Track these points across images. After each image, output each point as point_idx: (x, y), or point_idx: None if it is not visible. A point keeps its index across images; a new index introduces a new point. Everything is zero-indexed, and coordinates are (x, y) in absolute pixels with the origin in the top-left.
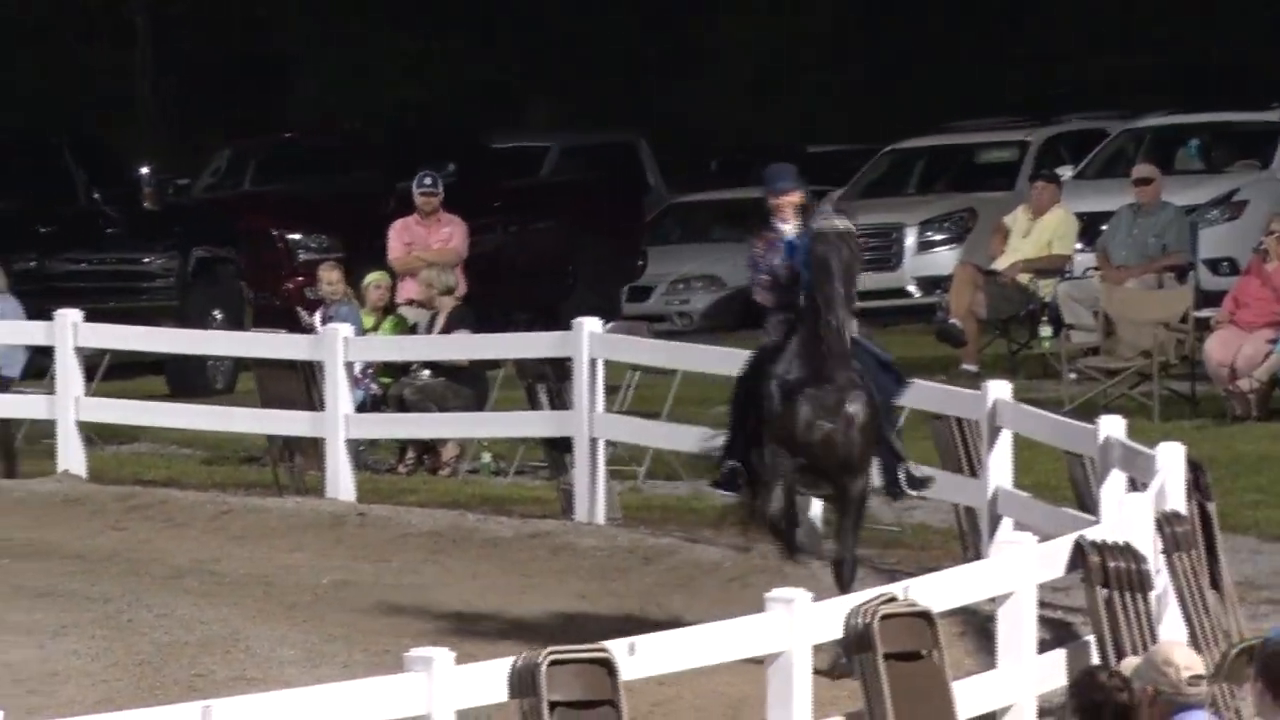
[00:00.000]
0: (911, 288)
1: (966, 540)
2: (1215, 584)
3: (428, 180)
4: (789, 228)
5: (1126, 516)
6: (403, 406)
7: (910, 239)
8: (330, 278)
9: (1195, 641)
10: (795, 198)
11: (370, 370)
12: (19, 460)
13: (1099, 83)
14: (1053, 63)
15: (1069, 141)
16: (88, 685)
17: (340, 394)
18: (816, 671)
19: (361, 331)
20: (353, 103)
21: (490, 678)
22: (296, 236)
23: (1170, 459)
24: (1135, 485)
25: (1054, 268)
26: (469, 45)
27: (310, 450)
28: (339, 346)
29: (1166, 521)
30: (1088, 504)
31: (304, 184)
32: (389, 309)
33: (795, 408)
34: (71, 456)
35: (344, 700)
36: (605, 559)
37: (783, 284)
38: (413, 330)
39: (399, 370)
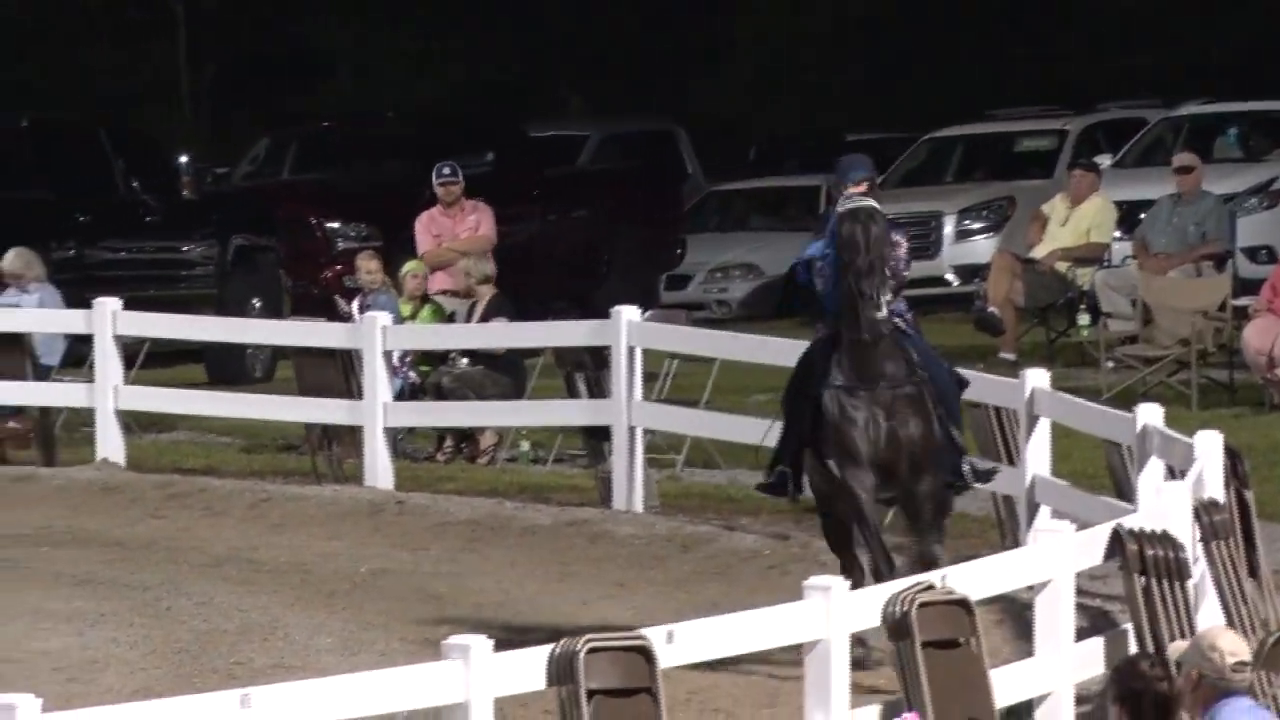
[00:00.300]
0: (950, 276)
1: (1004, 528)
2: (1253, 572)
3: (446, 170)
4: None
5: (1164, 505)
6: (441, 395)
7: (949, 227)
8: (369, 266)
9: (1232, 630)
10: (869, 189)
11: (409, 358)
12: (58, 448)
13: (1145, 70)
14: (1094, 54)
15: (1107, 130)
16: (126, 673)
17: (378, 382)
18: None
19: (399, 320)
20: (389, 92)
21: (528, 666)
22: (335, 225)
23: (1208, 447)
24: (1173, 473)
25: (1092, 256)
26: (503, 36)
27: (348, 438)
28: (377, 335)
29: (1204, 510)
30: (1125, 492)
31: (342, 173)
32: (426, 297)
33: (850, 412)
34: (110, 444)
35: (382, 688)
36: (643, 547)
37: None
38: (451, 319)
39: (437, 359)
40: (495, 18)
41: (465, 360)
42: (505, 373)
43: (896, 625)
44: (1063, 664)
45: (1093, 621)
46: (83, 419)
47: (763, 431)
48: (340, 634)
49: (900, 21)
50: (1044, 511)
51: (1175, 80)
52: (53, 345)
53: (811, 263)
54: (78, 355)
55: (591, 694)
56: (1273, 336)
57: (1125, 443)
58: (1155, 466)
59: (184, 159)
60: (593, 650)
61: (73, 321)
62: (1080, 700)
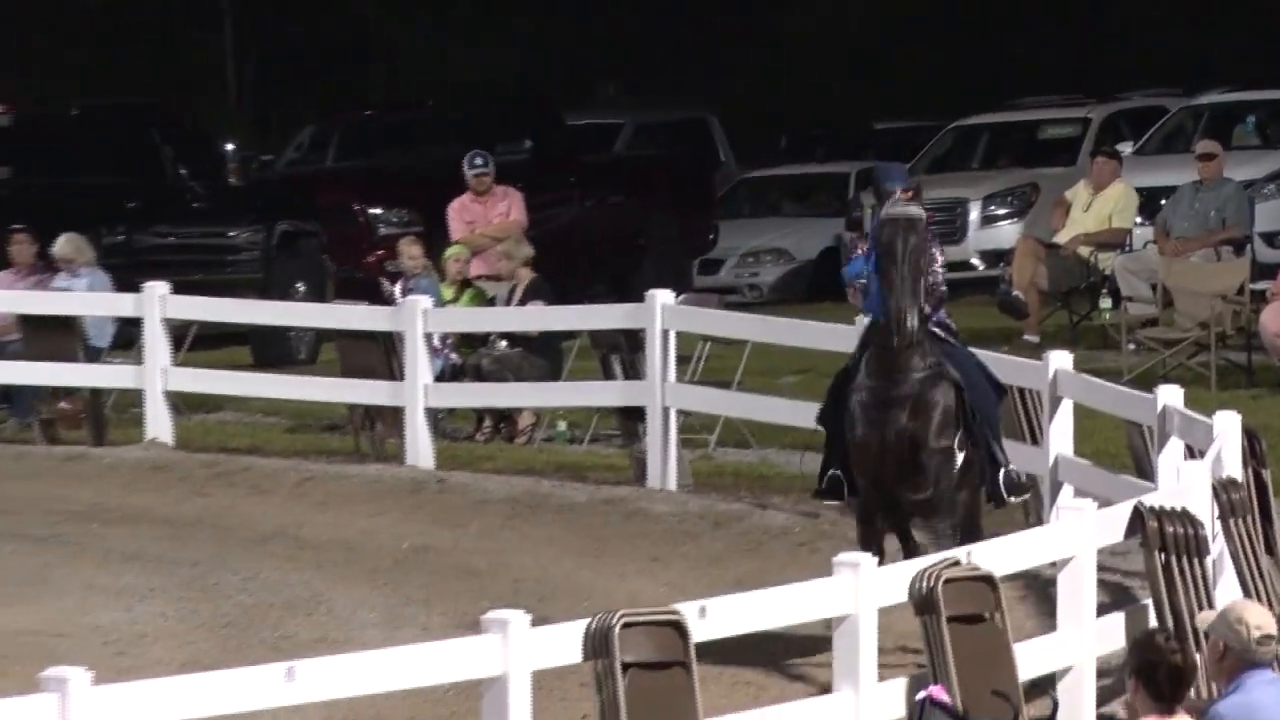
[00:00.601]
0: (975, 260)
1: (1028, 506)
2: (1270, 549)
3: (479, 161)
4: None
5: (1184, 483)
6: (480, 376)
7: (974, 213)
8: (411, 252)
9: (1258, 604)
10: (909, 197)
11: (449, 341)
12: (108, 428)
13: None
14: (1120, 41)
15: (1129, 118)
16: (175, 646)
17: (420, 364)
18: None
19: (441, 303)
20: (429, 81)
21: (565, 639)
22: (377, 211)
23: (1227, 427)
24: (1192, 453)
25: (1114, 241)
26: (541, 26)
27: (390, 418)
28: (418, 318)
29: (1223, 488)
30: (1146, 471)
31: (384, 160)
32: (468, 282)
33: (861, 408)
34: (159, 425)
35: (423, 661)
36: (676, 524)
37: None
38: (491, 302)
39: (477, 341)
40: (533, 8)
41: (504, 343)
42: (543, 355)
43: (923, 600)
44: (1085, 638)
45: (1114, 597)
46: (132, 400)
47: (793, 412)
48: (382, 609)
49: (928, 13)
50: (1067, 490)
51: (1195, 70)
52: (103, 328)
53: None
54: (127, 338)
55: (626, 667)
56: None
57: (1146, 423)
58: (1175, 446)
59: (230, 147)
60: (627, 625)
61: (122, 305)
62: (1102, 674)
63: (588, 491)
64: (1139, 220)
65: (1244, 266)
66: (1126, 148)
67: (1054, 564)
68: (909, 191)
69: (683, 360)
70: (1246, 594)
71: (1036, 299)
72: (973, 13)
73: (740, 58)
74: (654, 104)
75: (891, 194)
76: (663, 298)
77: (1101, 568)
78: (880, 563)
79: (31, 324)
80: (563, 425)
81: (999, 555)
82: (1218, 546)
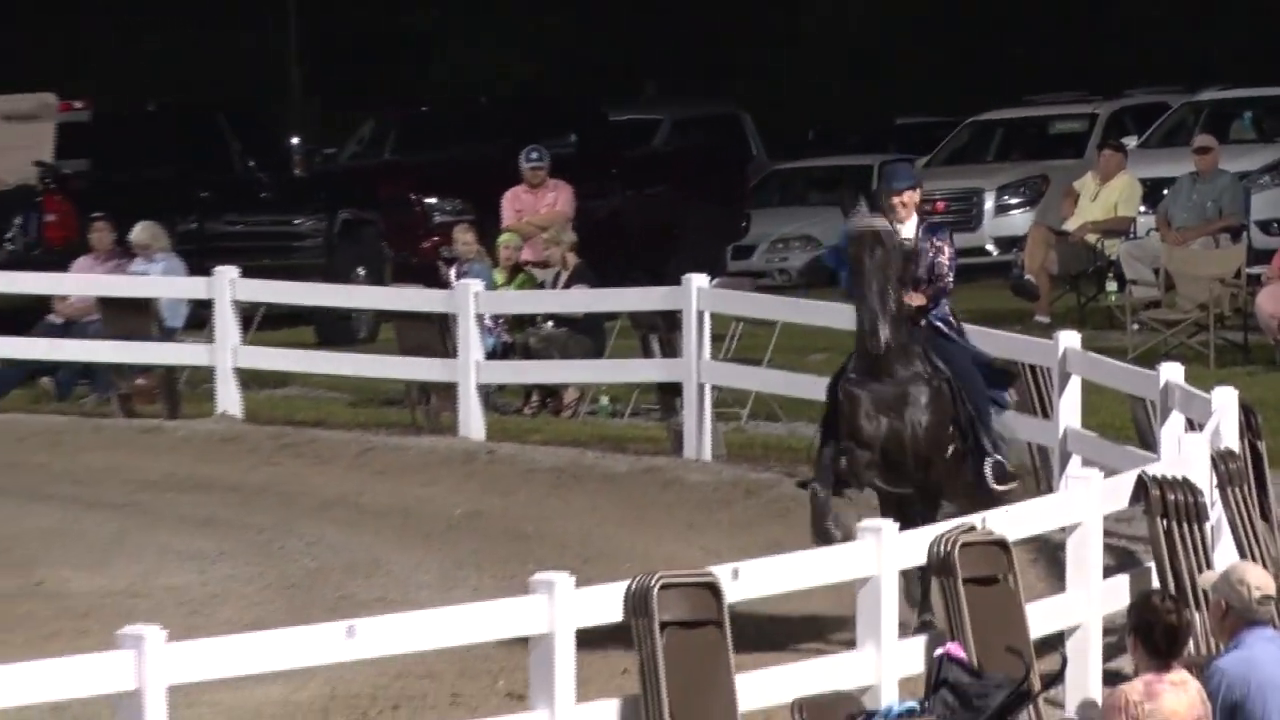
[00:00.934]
0: (990, 246)
1: (1039, 475)
2: (1265, 515)
3: (534, 155)
4: (905, 227)
5: (1184, 454)
6: (528, 354)
7: (989, 202)
8: (465, 238)
9: (1258, 566)
10: (913, 196)
11: (500, 321)
12: (182, 403)
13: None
14: (1121, 41)
15: (1134, 114)
16: (243, 606)
17: (472, 343)
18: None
19: (493, 287)
20: (482, 78)
21: (607, 599)
22: (433, 200)
23: (1224, 402)
24: (1192, 425)
25: (1119, 228)
26: (587, 26)
27: (445, 394)
28: (470, 300)
29: (1221, 459)
30: (1149, 442)
31: (439, 153)
32: (519, 267)
33: (847, 406)
34: (229, 399)
35: (475, 619)
36: (711, 492)
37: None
38: (539, 286)
39: (526, 322)
40: (580, 12)
41: (551, 323)
42: (586, 334)
43: (940, 563)
44: (1091, 599)
45: (1119, 560)
46: (204, 376)
47: (819, 387)
48: (437, 570)
49: (947, 15)
50: (1075, 460)
51: (1195, 68)
52: (177, 309)
53: (842, 253)
54: (199, 319)
55: (664, 625)
56: None
57: (1149, 398)
58: (1176, 419)
59: (295, 140)
60: (665, 586)
61: (195, 288)
62: (1108, 632)
63: (628, 462)
64: (1142, 209)
65: (1240, 252)
66: (1131, 141)
67: (1063, 529)
68: (904, 194)
69: (717, 339)
70: (1243, 557)
71: (1047, 282)
72: (973, 13)
73: (771, 58)
74: (690, 101)
75: (899, 192)
76: (698, 281)
77: (1107, 533)
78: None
79: (110, 306)
80: (605, 400)
81: (1012, 521)
82: (1216, 513)
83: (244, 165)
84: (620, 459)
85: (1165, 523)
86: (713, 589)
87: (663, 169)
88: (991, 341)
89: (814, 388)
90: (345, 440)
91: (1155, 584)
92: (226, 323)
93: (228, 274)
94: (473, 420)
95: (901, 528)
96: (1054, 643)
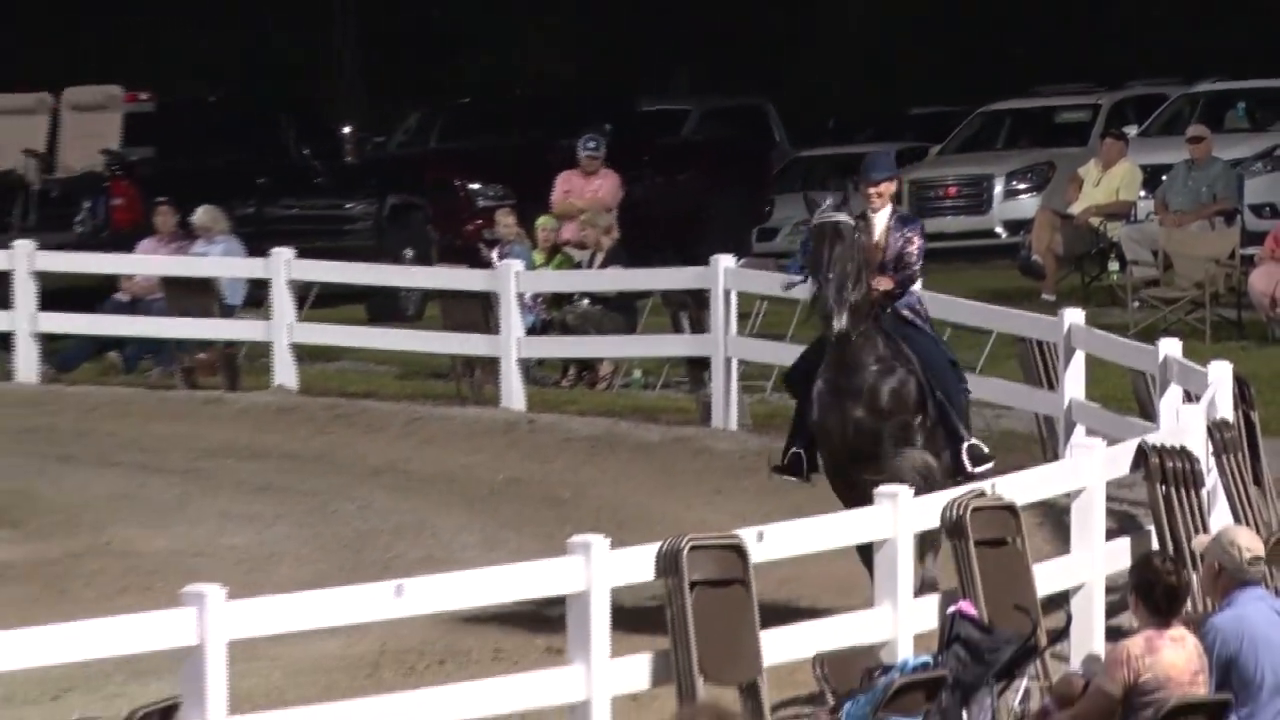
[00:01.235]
0: (999, 229)
1: (1045, 444)
2: (1258, 481)
3: (591, 144)
4: (879, 216)
5: (1182, 424)
6: (566, 330)
7: (998, 187)
8: (506, 221)
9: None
10: (889, 187)
11: (539, 299)
12: (241, 376)
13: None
14: (1121, 35)
15: (1134, 105)
16: (298, 566)
17: (513, 319)
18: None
19: (532, 267)
20: (522, 71)
21: (640, 560)
22: (476, 186)
23: (1220, 375)
24: (1189, 397)
25: (1121, 212)
26: (621, 20)
27: (487, 367)
28: (512, 279)
29: (1216, 428)
30: (1149, 413)
31: (482, 141)
32: (556, 248)
33: (819, 398)
34: (285, 373)
35: (516, 579)
36: (737, 460)
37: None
38: (576, 266)
39: (563, 300)
40: (615, 6)
41: (587, 301)
42: (620, 312)
43: (953, 526)
44: (1095, 560)
45: (1120, 523)
46: (261, 351)
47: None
48: (480, 533)
49: (960, 9)
50: (1079, 430)
51: (1192, 62)
52: (236, 288)
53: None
54: (257, 297)
55: (693, 584)
56: (1275, 281)
57: (1149, 371)
58: (1174, 391)
59: (347, 130)
60: (694, 547)
61: (253, 268)
62: (1110, 590)
63: (659, 431)
64: (1142, 194)
65: (1234, 235)
66: (1132, 131)
67: (1068, 495)
68: (879, 185)
69: (743, 316)
70: (1237, 521)
71: (1053, 263)
72: (972, 12)
73: (792, 51)
74: (717, 92)
75: (877, 183)
76: (725, 262)
77: (1109, 498)
78: None
79: (173, 284)
80: (638, 373)
81: (1020, 487)
82: (1212, 479)
83: (299, 153)
84: (652, 429)
85: (1164, 488)
86: (739, 550)
87: (691, 157)
88: (1001, 318)
89: None
90: (394, 411)
91: (1155, 546)
92: (282, 301)
93: (283, 255)
94: (514, 392)
95: None
96: (1059, 601)
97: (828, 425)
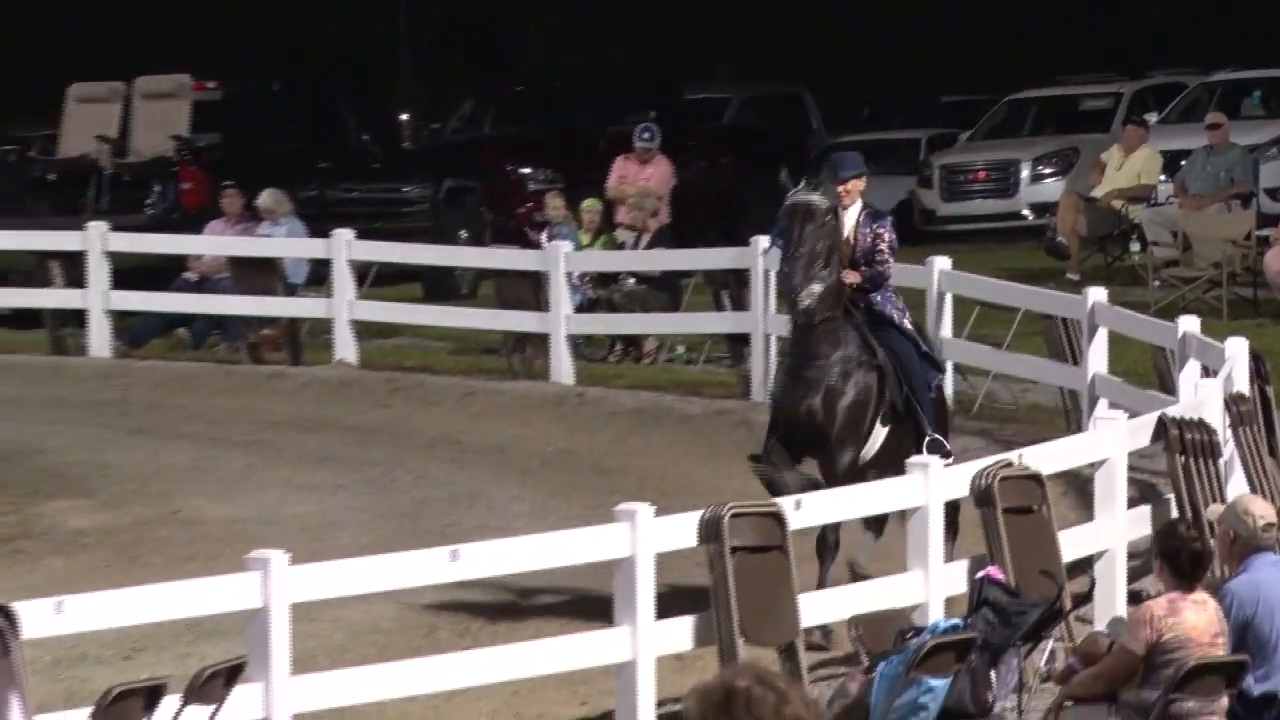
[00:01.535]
0: (1026, 212)
1: (1070, 416)
2: (1273, 452)
3: (646, 135)
4: (849, 213)
5: (1200, 397)
6: (612, 308)
7: (1025, 172)
8: (555, 204)
9: (1261, 497)
10: (858, 184)
11: (586, 278)
12: (303, 351)
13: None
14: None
15: (1154, 93)
16: (358, 533)
17: (562, 297)
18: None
19: (579, 247)
20: (572, 60)
21: (683, 527)
22: (527, 170)
23: (1236, 350)
24: (1207, 372)
25: (1142, 196)
26: (666, 11)
27: (538, 343)
28: (560, 259)
29: (1233, 401)
30: (1169, 387)
31: (533, 128)
32: (602, 229)
33: (780, 384)
34: (345, 348)
35: (565, 545)
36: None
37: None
38: (621, 247)
39: (609, 279)
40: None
41: (632, 280)
42: (664, 290)
43: (981, 495)
44: (1117, 527)
45: (1141, 492)
46: (323, 327)
47: None
48: (531, 501)
49: (989, 2)
50: (1102, 403)
51: (1211, 52)
52: (299, 267)
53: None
54: (319, 276)
55: (734, 550)
56: None
57: (1168, 347)
58: (1193, 366)
59: (404, 117)
60: (735, 515)
61: (315, 248)
62: (1132, 556)
63: (702, 404)
64: (1162, 178)
65: (1250, 217)
66: (1152, 117)
67: (1092, 465)
68: (848, 182)
69: (781, 294)
70: (1253, 490)
71: (1077, 243)
72: (1000, 6)
73: (828, 42)
74: (757, 81)
75: (846, 180)
76: (763, 243)
77: (1131, 468)
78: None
79: (239, 264)
80: (681, 349)
81: (1046, 457)
82: (1229, 450)
83: (358, 139)
84: (695, 402)
85: (1183, 459)
86: (778, 518)
87: (732, 142)
88: (1028, 296)
89: None
90: (449, 385)
91: (1174, 514)
92: (343, 279)
93: (344, 236)
94: (563, 367)
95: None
96: (1084, 566)
97: (782, 407)
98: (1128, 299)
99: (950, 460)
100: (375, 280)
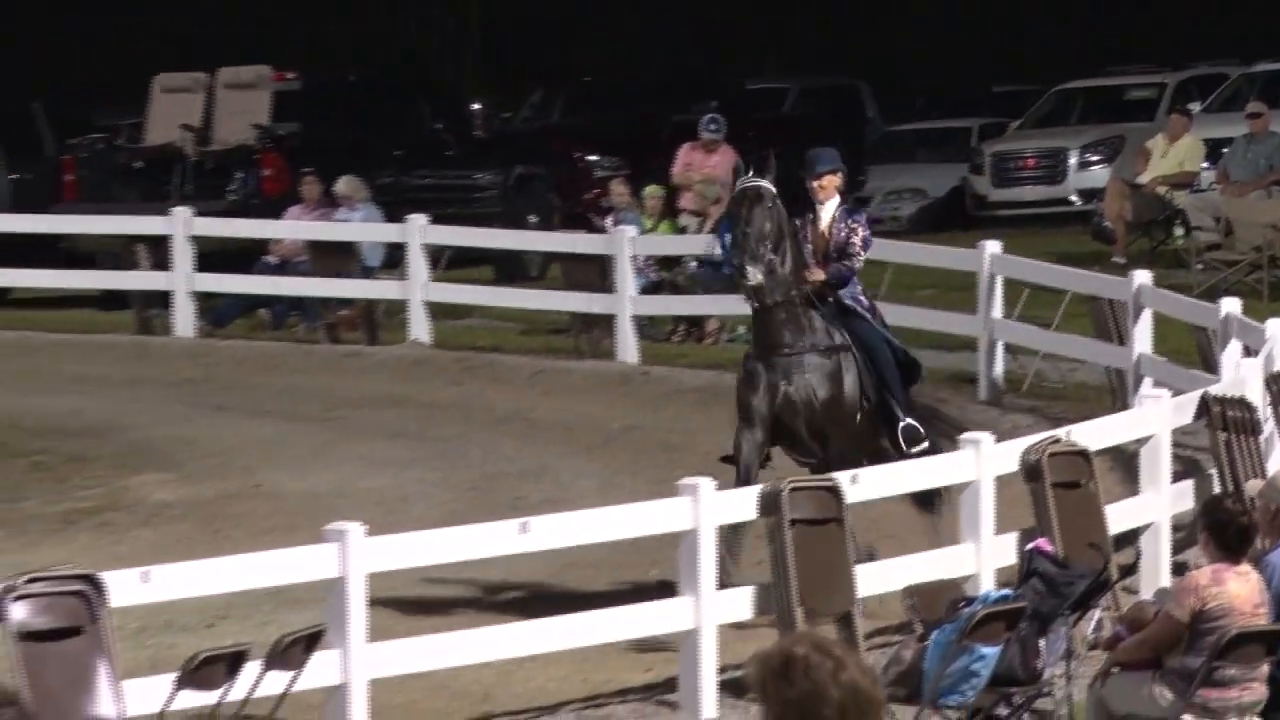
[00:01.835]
0: (1074, 197)
1: (1116, 395)
2: None
3: (713, 126)
4: (825, 208)
5: (1241, 376)
6: (676, 289)
7: (1073, 159)
8: (619, 190)
9: None
10: (833, 180)
11: (650, 261)
12: (379, 331)
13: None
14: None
15: (1198, 83)
16: (431, 506)
17: (627, 280)
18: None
19: (643, 232)
20: (636, 51)
21: (743, 501)
22: (593, 158)
23: (1277, 331)
24: (1249, 352)
25: (1185, 182)
26: (730, 4)
27: (604, 323)
28: (625, 243)
29: (1273, 380)
30: (1211, 366)
31: (599, 116)
32: (664, 215)
33: (745, 378)
34: (419, 328)
35: (630, 517)
36: None
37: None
38: (683, 232)
39: (672, 262)
40: None
41: (695, 263)
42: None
43: (1031, 470)
44: (1162, 501)
45: (1185, 467)
46: (398, 308)
47: (926, 318)
48: (598, 476)
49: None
50: (1147, 382)
51: (1252, 44)
52: (375, 251)
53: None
54: (394, 259)
55: (793, 522)
56: None
57: (1211, 328)
58: (1234, 346)
59: (476, 106)
60: (794, 489)
61: (390, 233)
62: (1176, 529)
63: None
64: (1205, 165)
65: None
66: (1195, 107)
67: (1137, 441)
68: (822, 178)
69: None
70: None
71: (1123, 228)
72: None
73: (882, 36)
74: (814, 72)
75: (820, 176)
76: None
77: (1175, 444)
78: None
79: (317, 248)
80: (741, 329)
81: (1093, 434)
82: (1269, 427)
83: (432, 128)
84: None
85: (1225, 435)
86: (835, 491)
87: (791, 132)
88: (1076, 279)
89: (921, 319)
90: (519, 364)
91: (1216, 488)
92: (417, 262)
93: (419, 221)
94: (628, 347)
95: None
96: (1129, 538)
97: (746, 398)
98: (1171, 282)
99: (925, 446)
100: (448, 263)
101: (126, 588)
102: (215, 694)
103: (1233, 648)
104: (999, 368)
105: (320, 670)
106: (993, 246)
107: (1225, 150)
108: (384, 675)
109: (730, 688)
